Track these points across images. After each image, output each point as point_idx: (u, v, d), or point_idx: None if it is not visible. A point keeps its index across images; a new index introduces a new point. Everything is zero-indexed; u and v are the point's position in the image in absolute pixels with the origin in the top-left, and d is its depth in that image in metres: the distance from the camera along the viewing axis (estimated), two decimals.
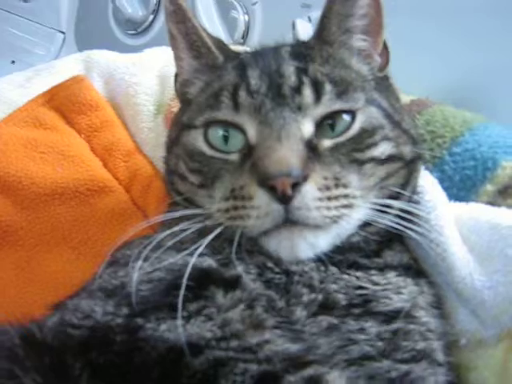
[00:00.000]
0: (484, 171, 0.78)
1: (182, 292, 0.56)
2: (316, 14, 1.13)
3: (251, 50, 0.83)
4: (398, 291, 0.68)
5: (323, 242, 0.66)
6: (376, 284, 0.68)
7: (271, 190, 0.61)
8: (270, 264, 0.65)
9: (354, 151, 0.68)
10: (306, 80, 0.69)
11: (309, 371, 0.54)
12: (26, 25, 1.82)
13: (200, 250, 0.62)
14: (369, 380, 0.60)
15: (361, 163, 0.68)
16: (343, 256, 0.68)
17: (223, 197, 0.67)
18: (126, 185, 0.99)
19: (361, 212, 0.67)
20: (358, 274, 0.68)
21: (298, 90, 0.68)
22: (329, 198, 0.63)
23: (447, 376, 0.67)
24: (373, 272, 0.69)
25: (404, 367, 0.63)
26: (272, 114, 0.66)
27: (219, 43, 0.78)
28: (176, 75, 0.82)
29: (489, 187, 0.77)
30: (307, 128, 0.67)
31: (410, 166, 0.72)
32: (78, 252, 0.94)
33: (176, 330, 0.56)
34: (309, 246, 0.65)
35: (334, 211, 0.64)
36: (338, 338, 0.61)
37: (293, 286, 0.63)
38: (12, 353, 0.55)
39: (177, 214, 0.68)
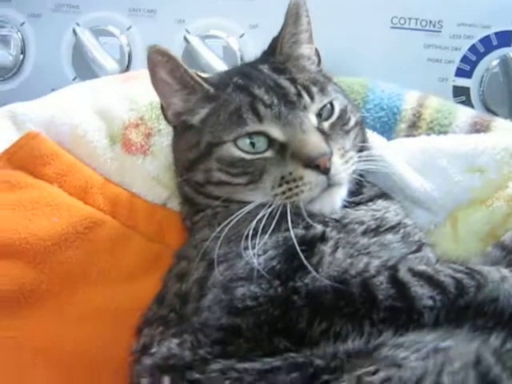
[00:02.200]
0: (394, 116, 1.13)
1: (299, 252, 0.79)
2: (191, 27, 1.34)
3: (226, 72, 1.03)
4: (387, 211, 0.99)
5: (345, 191, 0.93)
6: (377, 210, 0.97)
7: (316, 167, 0.87)
8: (326, 218, 0.90)
9: (343, 125, 0.96)
10: (299, 87, 0.94)
11: None
12: None
13: (289, 224, 0.83)
14: None
15: (347, 132, 0.96)
16: (350, 199, 0.96)
17: (275, 184, 0.89)
18: (111, 212, 1.10)
19: (355, 165, 0.95)
20: (361, 207, 0.97)
21: (299, 95, 0.93)
22: (345, 162, 0.91)
23: (433, 252, 0.99)
24: (369, 204, 0.98)
25: (418, 254, 0.94)
26: (291, 117, 0.91)
27: (203, 78, 0.98)
28: (162, 108, 1.01)
29: (402, 125, 1.12)
30: (313, 120, 0.93)
31: (361, 126, 1.03)
32: (100, 284, 1.04)
33: (316, 277, 0.77)
34: (340, 198, 0.92)
35: (349, 170, 0.92)
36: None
37: (347, 227, 0.90)
38: None
39: (248, 208, 0.88)
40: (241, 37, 1.33)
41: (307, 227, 0.87)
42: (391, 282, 0.77)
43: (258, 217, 0.86)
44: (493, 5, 1.28)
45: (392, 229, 0.94)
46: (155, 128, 1.13)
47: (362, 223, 0.91)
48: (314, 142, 0.88)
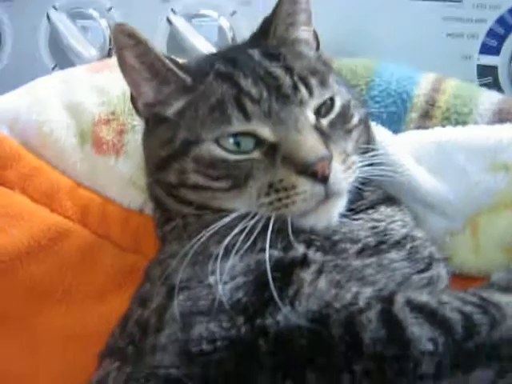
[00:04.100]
0: (403, 103, 0.96)
1: (271, 284, 0.64)
2: (178, 6, 1.19)
3: (207, 57, 0.88)
4: (392, 220, 0.83)
5: (345, 203, 0.78)
6: (380, 220, 0.82)
7: (311, 175, 0.72)
8: (313, 236, 0.75)
9: (344, 124, 0.81)
10: (296, 78, 0.78)
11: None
12: None
13: (267, 243, 0.69)
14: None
15: (349, 132, 0.81)
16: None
17: (262, 193, 0.75)
18: (81, 220, 0.98)
19: (357, 171, 0.79)
20: (361, 215, 0.82)
21: (295, 87, 0.77)
22: (347, 168, 0.76)
23: (447, 267, 0.84)
24: (369, 211, 0.83)
25: (426, 274, 0.79)
26: (283, 114, 0.75)
27: (180, 65, 0.82)
28: (132, 98, 0.85)
29: (413, 115, 0.95)
30: (311, 117, 0.78)
31: (366, 124, 0.87)
32: (66, 304, 0.93)
33: (292, 313, 0.63)
34: (338, 211, 0.77)
35: (350, 178, 0.76)
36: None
37: (337, 246, 0.75)
38: None
39: (227, 219, 0.74)
40: (232, 15, 1.17)
41: (286, 248, 0.72)
42: (383, 319, 0.62)
43: (236, 231, 0.72)
44: None
45: (396, 244, 0.79)
46: (128, 124, 0.99)
47: (356, 241, 0.76)
48: (311, 144, 0.73)
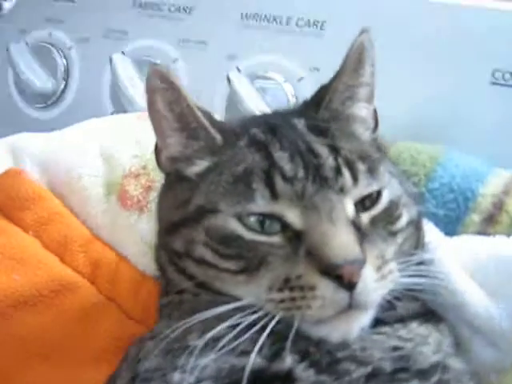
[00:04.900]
0: (465, 202, 0.81)
1: None
2: (244, 64, 1.13)
3: (248, 118, 0.78)
4: (425, 342, 0.68)
5: (369, 319, 0.64)
6: (407, 340, 0.67)
7: (336, 278, 0.59)
8: (312, 348, 0.62)
9: (388, 224, 0.67)
10: (341, 161, 0.67)
11: None
12: None
13: (257, 347, 0.57)
14: None
15: (394, 235, 0.68)
16: None
17: (274, 286, 0.62)
18: (90, 277, 0.90)
19: (393, 282, 0.66)
20: (384, 329, 0.67)
21: (338, 171, 0.66)
22: (382, 277, 0.62)
23: None
24: (396, 326, 0.68)
25: None
26: (317, 198, 0.63)
27: (215, 122, 0.73)
28: (157, 148, 0.76)
29: (474, 217, 0.80)
30: (350, 209, 0.65)
31: (417, 227, 0.73)
32: (52, 362, 0.84)
33: None
34: (360, 327, 0.63)
35: (383, 289, 0.63)
36: None
37: (339, 365, 0.61)
38: None
39: (224, 307, 0.62)
40: (298, 81, 1.09)
41: (273, 356, 0.60)
42: None
43: (227, 323, 0.60)
44: None
45: (421, 374, 0.64)
46: (158, 181, 0.91)
47: (365, 363, 0.61)
48: (343, 242, 0.61)
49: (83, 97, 1.27)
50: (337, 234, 0.61)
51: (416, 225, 0.73)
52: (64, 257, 0.91)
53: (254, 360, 0.57)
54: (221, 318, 0.62)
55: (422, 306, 0.73)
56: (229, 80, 1.06)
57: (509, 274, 0.71)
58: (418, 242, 0.74)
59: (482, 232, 0.79)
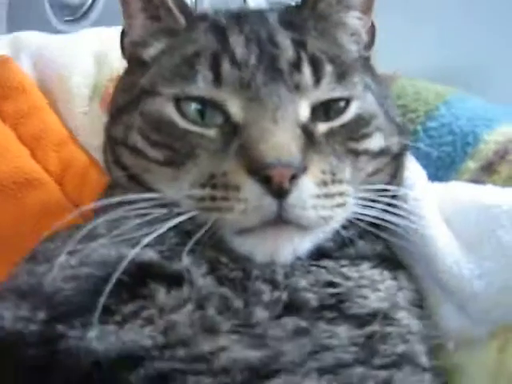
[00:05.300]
0: (464, 146, 0.70)
1: (107, 288, 0.45)
2: None
3: (224, 12, 0.70)
4: (374, 287, 0.58)
5: (307, 245, 0.57)
6: (348, 279, 0.57)
7: (265, 180, 0.51)
8: (223, 259, 0.54)
9: (350, 140, 0.59)
10: (304, 56, 0.59)
11: (276, 382, 0.44)
12: None
13: (148, 239, 0.51)
14: None
15: (356, 155, 0.59)
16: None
17: (197, 182, 0.56)
18: (58, 177, 0.86)
19: (350, 210, 0.58)
20: (327, 263, 0.58)
21: (297, 66, 0.58)
22: (326, 196, 0.54)
23: (434, 382, 0.57)
24: (343, 263, 0.59)
25: (383, 373, 0.53)
26: (265, 90, 0.56)
27: (180, 4, 0.66)
28: (123, 33, 0.70)
29: (470, 164, 0.69)
30: (304, 111, 0.58)
31: (396, 160, 0.64)
32: (8, 253, 0.80)
33: (107, 337, 0.45)
34: (292, 249, 0.55)
35: (329, 211, 0.55)
36: (307, 343, 0.51)
37: (251, 283, 0.53)
38: None
39: (131, 197, 0.56)
40: None
41: (172, 255, 0.52)
42: None
43: (135, 212, 0.55)
44: None
45: (354, 320, 0.54)
46: None
47: (281, 288, 0.53)
48: (281, 141, 0.53)
49: (110, 10, 1.22)
50: (276, 132, 0.54)
51: (394, 157, 0.64)
52: (36, 152, 0.87)
53: (145, 253, 0.50)
54: (137, 213, 0.56)
55: (385, 250, 0.64)
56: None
57: (489, 229, 0.60)
58: (394, 177, 0.64)
59: (477, 181, 0.67)
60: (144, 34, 0.67)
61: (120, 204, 0.58)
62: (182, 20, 0.65)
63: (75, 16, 1.25)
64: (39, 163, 0.86)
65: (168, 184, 0.59)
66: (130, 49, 0.69)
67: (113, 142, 0.66)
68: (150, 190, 0.60)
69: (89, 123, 0.88)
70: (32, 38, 0.98)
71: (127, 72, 0.71)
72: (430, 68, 0.87)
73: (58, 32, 1.27)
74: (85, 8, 1.24)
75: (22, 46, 0.96)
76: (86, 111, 0.88)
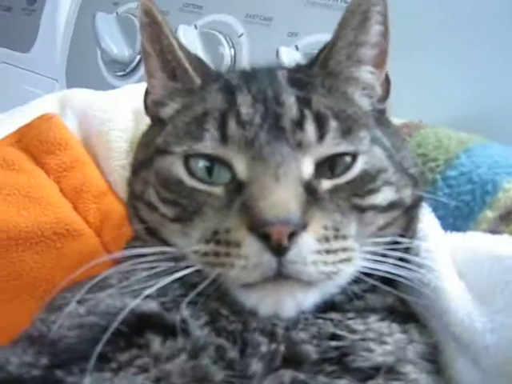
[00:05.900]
0: (483, 195, 0.68)
1: (105, 337, 0.47)
2: (303, 43, 1.07)
3: (237, 71, 0.74)
4: (380, 340, 0.58)
5: (311, 299, 0.57)
6: (353, 331, 0.57)
7: (264, 237, 0.53)
8: (224, 311, 0.55)
9: (355, 196, 0.59)
10: (308, 113, 0.60)
11: None
12: (26, 76, 1.80)
13: (149, 291, 0.53)
14: None
15: (361, 210, 0.59)
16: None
17: (203, 238, 0.58)
18: (97, 228, 0.90)
19: (357, 265, 0.58)
20: (333, 315, 0.58)
21: (299, 124, 0.60)
22: (327, 252, 0.55)
23: None
24: (350, 315, 0.59)
25: None
26: (268, 149, 0.58)
27: (198, 63, 0.70)
28: (146, 91, 0.75)
29: (489, 213, 0.67)
30: (307, 168, 0.59)
31: (410, 212, 0.64)
32: (43, 302, 0.85)
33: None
34: (295, 304, 0.56)
35: (331, 267, 0.55)
36: None
37: (249, 334, 0.54)
38: None
39: (143, 251, 0.59)
40: None
41: (173, 306, 0.54)
42: None
43: (147, 265, 0.58)
44: None
45: (357, 373, 0.54)
46: None
47: (280, 341, 0.54)
48: (280, 199, 0.54)
49: None
50: (276, 190, 0.55)
51: (407, 209, 0.64)
52: (77, 204, 0.92)
53: (146, 304, 0.53)
54: (146, 266, 0.59)
55: (397, 303, 0.63)
56: (277, 54, 1.01)
57: (502, 280, 0.58)
58: (407, 230, 0.64)
59: (495, 231, 0.65)
60: (163, 93, 0.70)
61: (135, 256, 0.61)
62: (197, 80, 0.68)
63: (126, 71, 1.33)
64: (80, 215, 0.91)
65: (178, 239, 0.61)
66: (152, 107, 0.73)
67: (133, 196, 0.70)
68: (165, 243, 0.63)
69: (126, 176, 0.93)
70: (77, 95, 1.04)
71: (149, 129, 0.75)
72: (456, 114, 0.86)
73: (111, 86, 1.36)
74: (134, 63, 1.31)
75: (68, 103, 1.03)
76: (124, 165, 0.93)
